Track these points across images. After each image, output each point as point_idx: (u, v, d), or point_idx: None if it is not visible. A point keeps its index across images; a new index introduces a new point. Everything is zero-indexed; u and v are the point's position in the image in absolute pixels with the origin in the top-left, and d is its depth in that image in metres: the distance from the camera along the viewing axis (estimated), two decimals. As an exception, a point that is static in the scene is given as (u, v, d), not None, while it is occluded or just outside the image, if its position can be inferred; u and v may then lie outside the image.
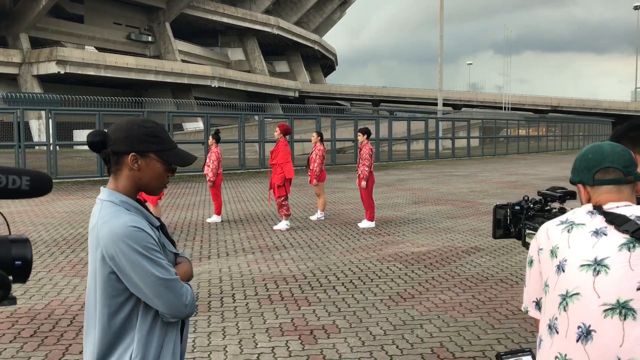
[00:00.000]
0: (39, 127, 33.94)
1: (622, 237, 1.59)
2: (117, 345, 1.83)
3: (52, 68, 42.94)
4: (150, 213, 1.95)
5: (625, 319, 1.50)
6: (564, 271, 1.65)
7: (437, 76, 41.90)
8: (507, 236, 2.79)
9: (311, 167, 10.78)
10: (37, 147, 25.41)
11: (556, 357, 1.60)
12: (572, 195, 2.57)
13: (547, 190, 2.67)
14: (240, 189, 16.59)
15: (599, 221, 1.67)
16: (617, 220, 1.63)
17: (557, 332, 1.61)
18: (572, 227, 1.72)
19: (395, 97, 71.71)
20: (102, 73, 45.91)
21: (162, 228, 1.99)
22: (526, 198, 2.71)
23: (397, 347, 4.53)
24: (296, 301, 5.72)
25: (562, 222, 1.77)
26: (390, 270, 6.96)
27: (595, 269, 1.58)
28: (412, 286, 6.25)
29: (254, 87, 60.29)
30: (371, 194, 10.07)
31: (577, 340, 1.55)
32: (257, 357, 4.35)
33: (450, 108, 62.08)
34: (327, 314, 5.32)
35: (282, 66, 74.28)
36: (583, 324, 1.55)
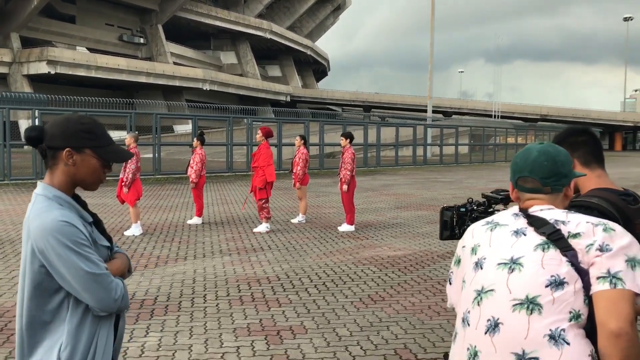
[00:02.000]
0: (27, 127, 33.80)
1: (539, 239, 1.66)
2: (47, 336, 1.87)
3: (42, 68, 42.80)
4: (86, 209, 1.99)
5: (531, 313, 1.56)
6: (482, 268, 1.71)
7: (427, 84, 42.12)
8: (453, 237, 2.85)
9: (294, 171, 10.83)
10: (25, 147, 25.29)
11: (467, 349, 1.66)
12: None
13: (490, 192, 2.74)
14: (226, 191, 16.61)
15: (521, 222, 1.74)
16: (536, 223, 1.70)
17: (469, 325, 1.68)
18: (495, 227, 1.79)
19: (387, 103, 71.98)
20: (93, 74, 45.80)
21: (97, 224, 2.03)
22: (470, 200, 2.77)
23: (361, 348, 4.58)
24: (267, 302, 5.76)
25: (488, 223, 1.84)
26: (364, 273, 7.01)
27: (510, 267, 1.65)
28: (383, 289, 6.31)
29: (246, 91, 60.32)
30: (352, 198, 10.13)
31: (486, 332, 1.62)
32: (222, 356, 4.38)
33: (440, 115, 62.38)
34: (296, 315, 5.36)
35: (275, 70, 74.38)
36: (492, 317, 1.62)
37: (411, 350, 4.55)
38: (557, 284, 1.57)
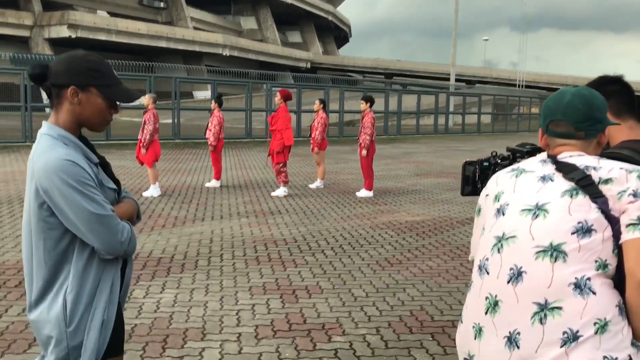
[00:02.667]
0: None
1: (568, 184, 1.56)
2: (54, 280, 1.83)
3: (63, 32, 42.81)
4: (91, 148, 1.93)
5: (555, 261, 1.47)
6: (503, 214, 1.63)
7: (451, 51, 41.35)
8: (475, 193, 2.75)
9: (313, 135, 10.73)
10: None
11: (486, 298, 1.58)
12: (541, 151, 2.52)
13: (516, 145, 2.63)
14: (244, 157, 16.59)
15: (549, 168, 1.64)
16: (565, 168, 1.61)
17: (488, 273, 1.60)
18: (520, 173, 1.69)
19: (409, 70, 70.95)
20: (114, 38, 45.72)
21: (104, 166, 1.97)
22: (494, 154, 2.67)
23: (377, 308, 4.55)
24: (283, 263, 5.74)
25: (513, 170, 1.75)
26: (382, 237, 6.96)
27: (535, 213, 1.56)
28: (401, 252, 6.25)
29: (266, 57, 59.84)
30: (371, 164, 10.02)
31: (508, 282, 1.54)
32: (237, 313, 4.38)
33: (464, 84, 61.43)
34: (311, 276, 5.34)
35: (295, 36, 73.57)
36: (515, 265, 1.53)
37: (427, 312, 4.50)
38: (585, 231, 1.47)
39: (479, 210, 1.80)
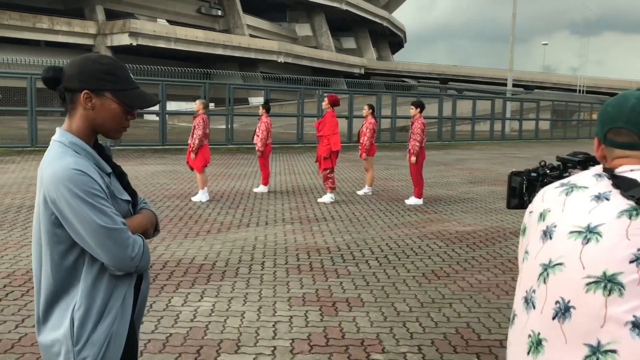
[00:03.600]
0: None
1: (626, 204, 1.32)
2: (62, 296, 1.73)
3: (124, 40, 44.17)
4: (105, 157, 1.82)
5: (610, 294, 1.24)
6: (550, 238, 1.41)
7: (508, 56, 40.30)
8: (522, 206, 2.52)
9: (361, 141, 10.56)
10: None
11: (529, 336, 1.37)
12: (594, 161, 2.27)
13: (567, 155, 2.39)
14: (294, 162, 16.55)
15: (605, 185, 1.40)
16: (624, 185, 1.37)
17: (534, 307, 1.38)
18: (572, 190, 1.46)
19: (464, 76, 69.73)
20: (173, 46, 46.84)
21: (120, 176, 1.87)
22: (543, 163, 2.44)
23: (420, 324, 4.32)
24: (325, 273, 5.58)
25: (563, 185, 1.52)
26: (430, 247, 6.70)
27: (585, 236, 1.33)
28: (449, 265, 5.99)
29: (320, 63, 60.01)
30: (420, 171, 9.75)
31: (554, 318, 1.32)
32: (274, 325, 4.25)
33: (522, 89, 59.87)
34: (353, 287, 5.16)
35: (349, 42, 73.54)
36: (562, 298, 1.31)
37: (474, 329, 4.25)
38: None
39: (524, 230, 1.59)
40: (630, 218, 1.28)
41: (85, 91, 1.73)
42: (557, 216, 1.42)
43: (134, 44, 44.26)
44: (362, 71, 65.91)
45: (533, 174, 2.49)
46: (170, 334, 4.01)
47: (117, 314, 1.75)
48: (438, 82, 71.35)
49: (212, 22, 57.06)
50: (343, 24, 69.76)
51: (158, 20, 50.48)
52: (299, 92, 22.94)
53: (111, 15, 46.66)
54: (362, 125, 10.65)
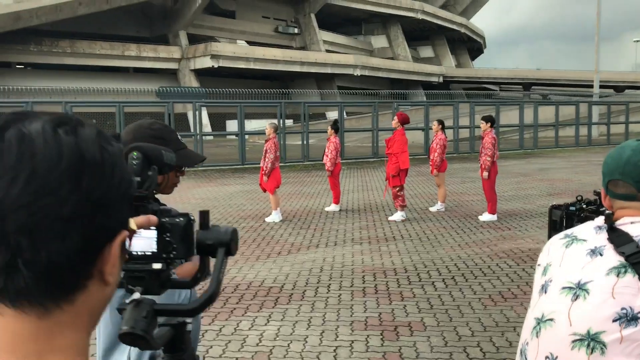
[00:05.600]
0: (192, 118, 36.73)
1: (617, 260, 1.36)
2: (118, 343, 1.93)
3: (206, 62, 46.03)
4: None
5: (592, 352, 1.29)
6: (545, 292, 1.47)
7: (594, 56, 38.54)
8: None
9: (431, 157, 10.52)
10: (193, 137, 27.48)
11: None
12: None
13: None
14: (368, 177, 16.63)
15: (602, 239, 1.45)
16: (617, 240, 1.41)
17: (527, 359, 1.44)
18: (572, 242, 1.52)
19: (548, 79, 67.17)
20: (252, 65, 48.31)
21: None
22: (579, 198, 2.44)
23: (480, 349, 4.31)
24: (389, 295, 5.65)
25: (566, 236, 1.57)
26: (499, 267, 6.60)
27: (575, 293, 1.38)
28: (517, 286, 5.88)
29: (397, 74, 59.80)
30: (493, 186, 9.59)
31: None
32: (334, 350, 4.37)
33: (611, 91, 56.94)
34: (417, 311, 5.19)
35: (427, 51, 72.79)
36: (551, 354, 1.37)
37: (537, 356, 4.18)
38: (629, 319, 1.28)
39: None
40: (617, 276, 1.32)
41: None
42: (554, 270, 1.48)
43: (215, 65, 46.01)
44: (441, 79, 65.02)
45: (571, 208, 2.49)
46: (237, 358, 4.22)
47: None
48: (521, 87, 69.20)
49: (289, 40, 58.33)
50: (420, 33, 69.21)
51: (237, 41, 52.23)
52: (373, 106, 23.05)
53: (193, 39, 48.78)
54: (432, 141, 10.61)
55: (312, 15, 57.16)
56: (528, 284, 5.90)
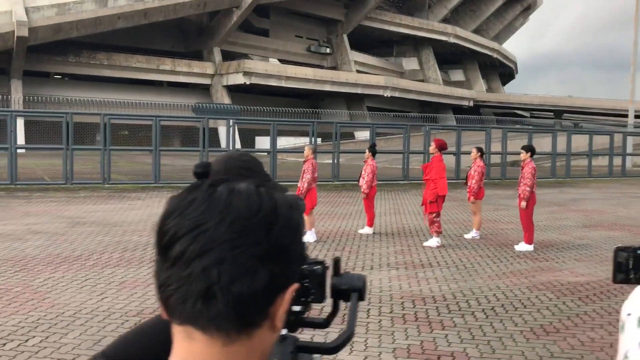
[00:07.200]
0: (225, 134, 37.20)
1: None
2: None
3: (239, 79, 46.66)
4: None
5: None
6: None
7: (629, 85, 38.09)
8: (629, 281, 2.53)
9: (469, 184, 10.50)
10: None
11: None
12: None
13: None
14: (400, 200, 16.61)
15: None
16: None
17: None
18: None
19: (580, 107, 66.48)
20: (283, 84, 48.82)
21: None
22: None
23: (526, 385, 4.28)
24: (430, 323, 5.64)
25: None
26: (539, 299, 6.54)
27: None
28: (559, 319, 5.82)
29: (427, 97, 59.84)
30: (531, 216, 9.52)
31: None
32: (378, 376, 4.38)
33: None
34: (459, 341, 5.18)
35: (458, 75, 72.73)
36: None
37: (585, 394, 4.14)
38: None
39: (622, 327, 1.62)
40: None
41: None
42: None
43: (247, 82, 46.60)
44: (471, 103, 64.82)
45: (639, 252, 2.50)
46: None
47: None
48: (552, 114, 68.60)
49: (321, 60, 58.85)
50: (451, 57, 69.25)
51: (270, 59, 52.89)
52: (405, 128, 23.08)
53: (227, 56, 49.55)
54: (471, 167, 10.60)
55: (345, 36, 57.68)
56: (570, 319, 5.85)
